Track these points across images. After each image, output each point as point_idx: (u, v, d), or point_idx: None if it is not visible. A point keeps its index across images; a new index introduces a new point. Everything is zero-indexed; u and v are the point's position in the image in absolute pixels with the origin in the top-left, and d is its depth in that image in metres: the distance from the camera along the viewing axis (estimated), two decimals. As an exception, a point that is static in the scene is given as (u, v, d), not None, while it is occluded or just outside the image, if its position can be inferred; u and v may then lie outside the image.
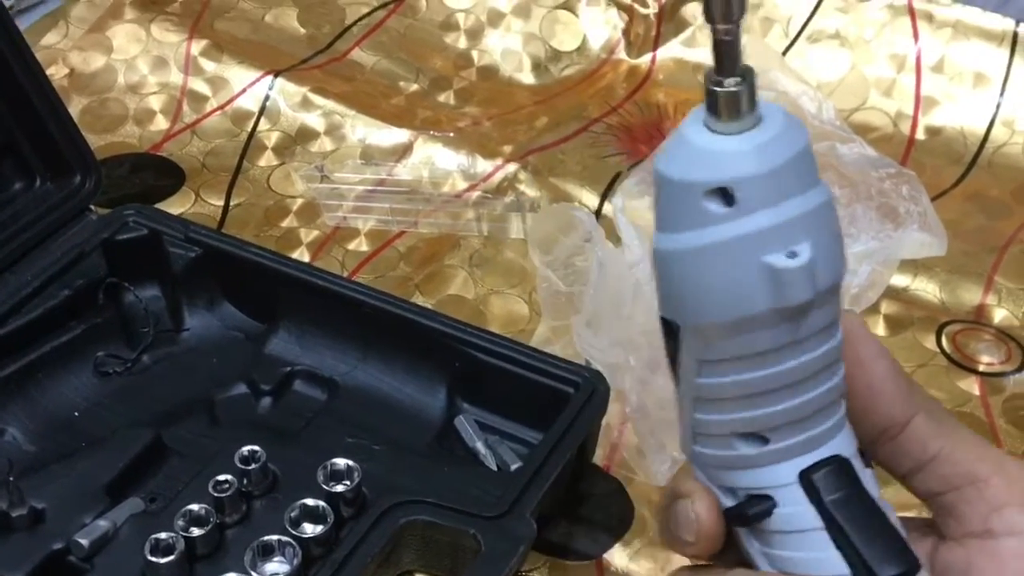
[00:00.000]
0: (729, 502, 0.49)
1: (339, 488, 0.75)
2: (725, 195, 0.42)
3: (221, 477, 0.75)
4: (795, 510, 0.47)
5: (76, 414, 0.88)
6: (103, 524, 0.75)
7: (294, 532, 0.73)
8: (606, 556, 0.81)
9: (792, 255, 0.42)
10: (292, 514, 0.74)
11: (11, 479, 0.74)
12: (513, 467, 0.83)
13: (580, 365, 0.86)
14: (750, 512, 0.47)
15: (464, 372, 0.87)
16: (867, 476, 0.48)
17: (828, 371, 0.46)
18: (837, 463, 0.47)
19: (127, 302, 0.94)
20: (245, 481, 0.76)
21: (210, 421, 0.87)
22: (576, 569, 0.81)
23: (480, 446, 0.85)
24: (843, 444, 0.48)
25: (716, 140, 0.42)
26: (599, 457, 0.87)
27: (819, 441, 0.47)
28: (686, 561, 0.52)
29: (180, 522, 0.73)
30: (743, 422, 0.46)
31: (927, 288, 1.01)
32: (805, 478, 0.47)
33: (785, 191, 0.42)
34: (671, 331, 0.45)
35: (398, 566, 0.78)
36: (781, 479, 0.47)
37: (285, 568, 0.71)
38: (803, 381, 0.45)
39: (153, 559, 0.70)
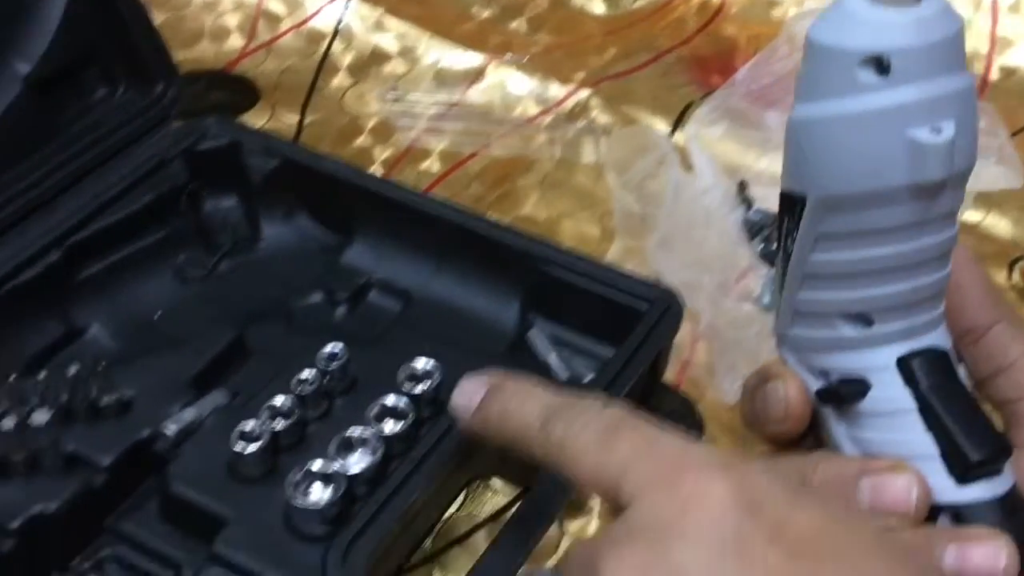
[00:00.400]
0: (818, 386, 0.50)
1: (419, 388, 0.77)
2: (880, 65, 0.43)
3: (303, 375, 0.77)
4: (890, 393, 0.48)
5: (157, 316, 0.90)
6: (189, 414, 0.76)
7: (375, 428, 0.74)
8: (675, 469, 0.83)
9: (936, 131, 0.43)
10: (373, 411, 0.75)
11: (103, 365, 0.76)
12: (585, 380, 0.84)
13: (654, 282, 0.86)
14: (845, 392, 0.48)
15: (538, 286, 0.88)
16: (961, 370, 0.49)
17: (940, 261, 0.47)
18: (936, 353, 0.48)
19: (206, 210, 0.95)
20: (326, 380, 0.78)
21: (288, 326, 0.89)
22: (645, 480, 0.82)
23: (553, 359, 0.86)
24: (941, 338, 0.49)
25: (878, 11, 0.43)
26: (669, 375, 0.88)
27: (920, 331, 0.48)
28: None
29: (265, 415, 0.75)
30: (851, 302, 0.47)
31: (999, 224, 1.01)
32: (904, 363, 0.48)
33: (937, 68, 0.43)
34: (793, 204, 0.46)
35: (472, 470, 0.80)
36: (879, 363, 0.48)
37: (367, 460, 0.73)
38: (917, 265, 0.46)
39: (239, 448, 0.72)
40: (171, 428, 0.75)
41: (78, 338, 0.87)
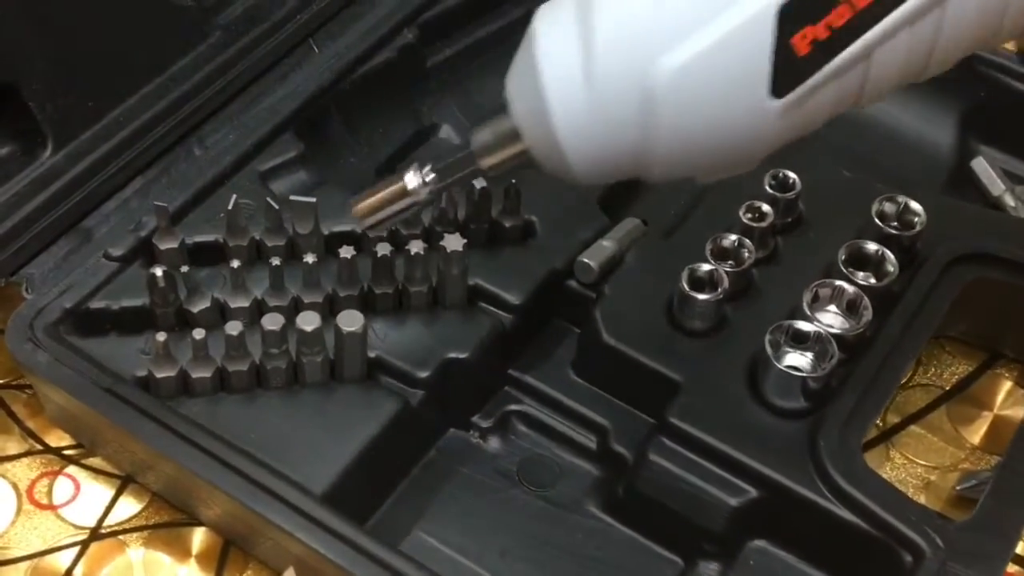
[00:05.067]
0: None
1: (892, 230, 0.61)
2: None
3: (756, 203, 0.62)
4: None
5: (514, 115, 0.75)
6: (607, 245, 0.62)
7: (851, 278, 0.59)
8: None
9: None
10: (842, 256, 0.60)
11: (512, 182, 0.61)
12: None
13: None
14: None
15: (987, 104, 0.72)
16: None
17: None
18: None
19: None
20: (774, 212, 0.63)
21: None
22: None
23: (1008, 197, 0.70)
24: None
25: None
26: None
27: None
28: None
29: (707, 252, 0.60)
30: None
31: None
32: None
33: None
34: None
35: (944, 329, 0.66)
36: None
37: (840, 321, 0.59)
38: None
39: (692, 292, 0.58)
40: (592, 261, 0.61)
41: (427, 139, 0.73)
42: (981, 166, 0.72)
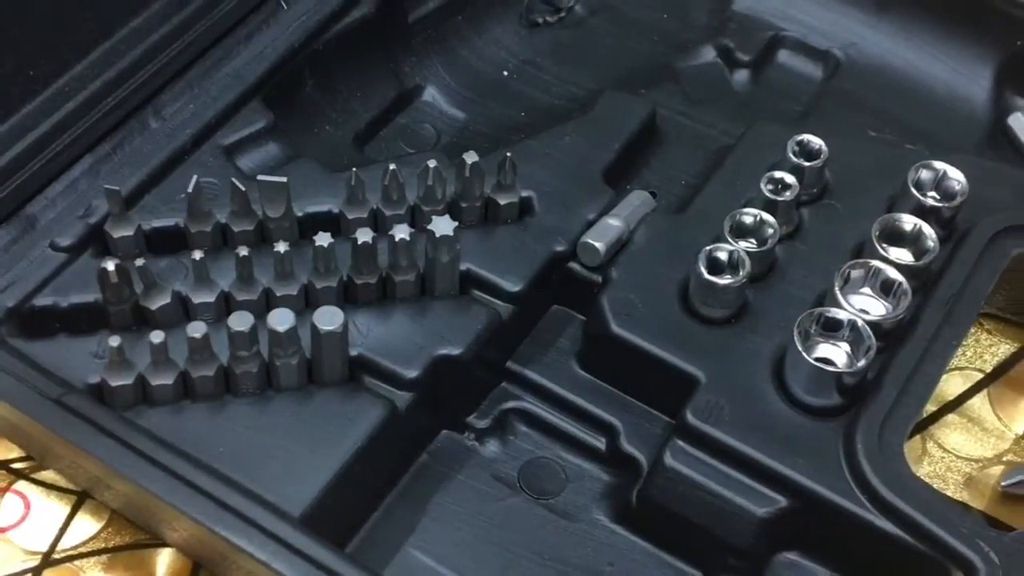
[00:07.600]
0: None
1: (931, 201, 0.55)
2: None
3: (778, 174, 0.55)
4: None
5: (505, 73, 0.68)
6: (614, 223, 0.56)
7: (884, 254, 0.53)
8: None
9: None
10: (875, 231, 0.54)
11: (508, 155, 0.55)
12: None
13: None
14: None
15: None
16: None
17: None
18: None
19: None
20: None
21: (681, 96, 0.67)
22: None
23: (1048, 156, 0.64)
24: None
25: None
26: None
27: None
28: None
29: (727, 230, 0.54)
30: None
31: None
32: None
33: None
34: None
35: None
36: None
37: (875, 304, 0.53)
38: None
39: (711, 276, 0.52)
40: (599, 242, 0.55)
41: (411, 102, 0.67)
42: (1020, 123, 0.65)
